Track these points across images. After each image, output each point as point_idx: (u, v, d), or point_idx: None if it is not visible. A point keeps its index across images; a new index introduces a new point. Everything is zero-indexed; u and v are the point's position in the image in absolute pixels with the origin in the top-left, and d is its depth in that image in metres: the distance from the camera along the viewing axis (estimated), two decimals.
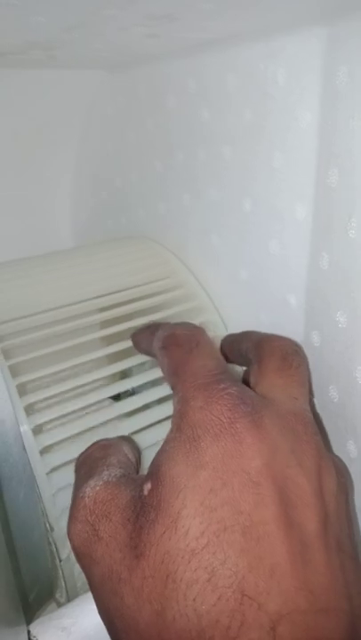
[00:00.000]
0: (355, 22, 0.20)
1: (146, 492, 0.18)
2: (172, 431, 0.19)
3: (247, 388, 0.20)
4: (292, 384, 0.21)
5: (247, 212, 0.27)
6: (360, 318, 0.22)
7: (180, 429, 0.19)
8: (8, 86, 0.36)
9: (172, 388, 0.21)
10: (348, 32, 0.21)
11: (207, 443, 0.18)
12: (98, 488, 0.19)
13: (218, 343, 0.28)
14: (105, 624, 0.18)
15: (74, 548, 0.19)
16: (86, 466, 0.21)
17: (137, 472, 0.21)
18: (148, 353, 0.26)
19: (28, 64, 0.33)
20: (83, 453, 0.22)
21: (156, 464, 0.19)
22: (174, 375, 0.21)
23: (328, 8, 0.20)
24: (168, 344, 0.22)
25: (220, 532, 0.17)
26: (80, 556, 0.19)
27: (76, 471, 0.21)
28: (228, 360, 0.27)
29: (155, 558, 0.17)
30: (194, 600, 0.16)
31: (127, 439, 0.24)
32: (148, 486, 0.18)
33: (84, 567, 0.19)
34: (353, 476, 0.23)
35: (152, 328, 0.25)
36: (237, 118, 0.26)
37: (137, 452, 0.23)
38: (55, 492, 0.23)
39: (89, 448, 0.22)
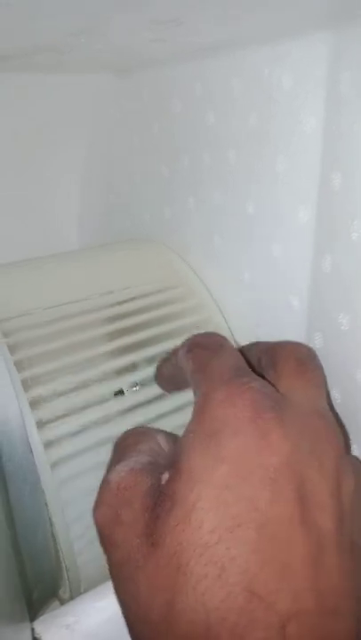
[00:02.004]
0: (360, 26, 0.20)
1: (164, 482, 0.18)
2: (191, 423, 0.19)
3: (270, 385, 0.20)
4: (310, 386, 0.21)
5: (251, 215, 0.28)
6: None
7: (200, 422, 0.19)
8: (14, 89, 0.36)
9: (196, 386, 0.21)
10: (353, 37, 0.21)
11: (227, 437, 0.18)
12: (123, 474, 0.19)
13: (211, 324, 0.28)
14: (121, 608, 0.18)
15: (98, 530, 0.19)
16: (119, 451, 0.21)
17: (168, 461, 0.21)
18: (172, 382, 0.26)
19: (34, 68, 0.33)
20: (119, 437, 0.22)
21: (175, 455, 0.19)
22: (198, 373, 0.21)
23: (334, 13, 0.21)
24: (193, 347, 0.22)
25: (234, 528, 0.16)
26: (102, 538, 0.19)
27: (112, 454, 0.22)
28: None
29: (168, 549, 0.17)
30: (203, 595, 0.16)
31: (165, 431, 0.23)
32: (165, 476, 0.18)
33: (105, 550, 0.19)
34: None
35: (168, 356, 0.26)
36: (242, 122, 0.27)
37: (173, 443, 0.22)
38: (59, 485, 0.23)
39: (125, 433, 0.22)
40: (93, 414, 0.25)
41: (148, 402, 0.27)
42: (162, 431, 0.23)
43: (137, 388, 0.27)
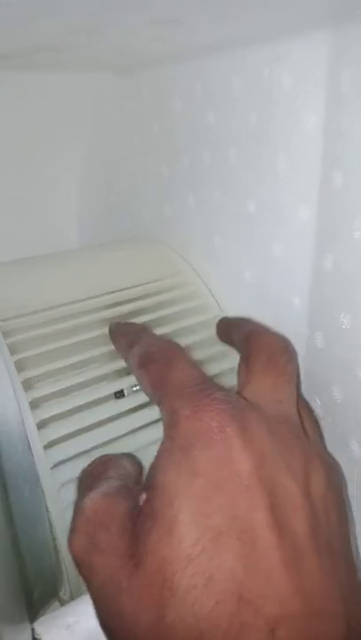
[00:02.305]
0: (360, 26, 0.20)
1: (141, 502, 0.19)
2: (163, 442, 0.19)
3: (232, 393, 0.20)
4: (277, 384, 0.21)
5: (251, 214, 0.28)
6: None
7: (171, 439, 0.19)
8: (14, 89, 0.36)
9: (158, 403, 0.21)
10: (353, 36, 0.21)
11: (199, 450, 0.18)
12: (96, 499, 0.19)
13: (214, 324, 0.28)
14: (105, 633, 0.18)
15: (74, 559, 0.19)
16: (86, 481, 0.21)
17: (138, 484, 0.21)
18: (124, 359, 0.26)
19: (35, 67, 0.33)
20: (83, 470, 0.22)
21: (151, 475, 0.19)
22: (157, 390, 0.21)
23: (334, 12, 0.21)
24: (145, 362, 0.22)
25: (216, 537, 0.17)
26: (80, 566, 0.19)
27: (78, 487, 0.22)
28: (222, 341, 0.28)
29: (151, 566, 0.17)
30: (192, 605, 0.16)
31: (128, 455, 0.24)
32: (143, 496, 0.19)
33: (84, 577, 0.19)
34: (356, 476, 0.23)
35: (129, 338, 0.25)
36: (243, 122, 0.27)
37: (138, 466, 0.23)
38: (59, 486, 0.23)
39: (89, 465, 0.22)
40: (94, 415, 0.25)
41: (149, 403, 0.27)
42: (125, 456, 0.23)
43: (137, 388, 0.27)
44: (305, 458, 0.19)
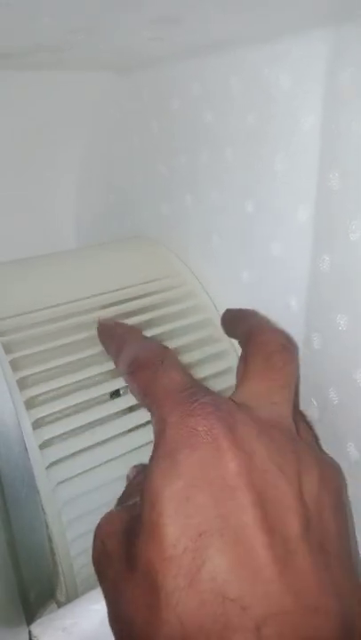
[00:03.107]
0: (359, 25, 0.20)
1: (137, 509, 0.19)
2: (153, 449, 0.19)
3: (220, 396, 0.20)
4: (273, 388, 0.21)
5: (249, 214, 0.27)
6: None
7: (159, 446, 0.19)
8: (14, 87, 0.36)
9: (147, 408, 0.21)
10: (352, 36, 0.21)
11: (184, 454, 0.18)
12: (112, 511, 0.21)
13: (213, 342, 0.28)
14: (113, 634, 0.19)
15: (93, 564, 0.20)
16: (120, 498, 0.23)
17: None
18: (113, 361, 0.26)
19: (34, 66, 0.33)
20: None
21: (144, 482, 0.19)
22: (146, 397, 0.21)
23: (333, 12, 0.20)
24: (133, 369, 0.22)
25: (196, 537, 0.17)
26: (96, 571, 0.20)
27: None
28: (227, 332, 0.28)
29: (141, 569, 0.17)
30: (176, 606, 0.16)
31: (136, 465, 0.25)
32: (138, 503, 0.19)
33: (99, 582, 0.20)
34: (353, 478, 0.23)
35: (116, 341, 0.25)
36: (241, 121, 0.26)
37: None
38: (54, 486, 0.23)
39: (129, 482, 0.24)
40: (89, 415, 0.25)
41: None
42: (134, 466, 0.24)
43: None
44: (297, 459, 0.19)
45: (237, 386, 0.22)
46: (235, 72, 0.26)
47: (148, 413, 0.26)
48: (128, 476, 0.24)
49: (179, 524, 0.17)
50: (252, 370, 0.22)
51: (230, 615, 0.16)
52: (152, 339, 0.26)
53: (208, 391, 0.20)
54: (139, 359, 0.22)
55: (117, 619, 0.18)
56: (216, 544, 0.17)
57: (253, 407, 0.20)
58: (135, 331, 0.26)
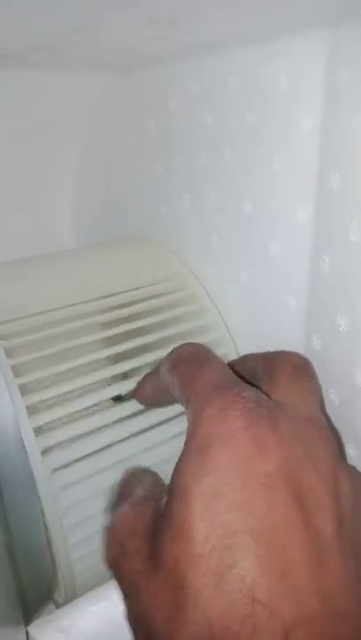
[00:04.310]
0: (358, 25, 0.20)
1: (163, 505, 0.19)
2: (186, 443, 0.19)
3: (262, 393, 0.20)
4: (304, 393, 0.21)
5: (248, 214, 0.27)
6: None
7: (192, 440, 0.18)
8: (11, 87, 0.36)
9: (185, 404, 0.20)
10: (350, 35, 0.21)
11: (218, 449, 0.18)
12: (125, 509, 0.20)
13: (216, 345, 0.28)
14: (132, 634, 0.18)
15: (108, 567, 0.19)
16: (117, 498, 0.22)
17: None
18: (155, 394, 0.25)
19: (32, 66, 0.33)
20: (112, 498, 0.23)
21: (172, 477, 0.19)
22: (185, 389, 0.21)
23: (332, 11, 0.20)
24: (177, 363, 0.22)
25: (227, 536, 0.16)
26: (113, 573, 0.19)
27: (109, 507, 0.22)
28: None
29: (167, 567, 0.17)
30: (204, 606, 0.16)
31: (148, 471, 0.24)
32: (164, 500, 0.19)
33: (118, 584, 0.19)
34: None
35: (152, 371, 0.25)
36: (239, 121, 0.26)
37: (161, 479, 0.23)
38: (57, 492, 0.23)
39: (116, 488, 0.23)
40: (92, 420, 0.25)
41: (147, 408, 0.26)
42: (147, 472, 0.23)
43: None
44: (333, 459, 0.19)
45: (268, 394, 0.22)
46: (233, 72, 0.26)
47: (151, 419, 0.26)
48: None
49: (208, 521, 0.17)
50: (280, 380, 0.22)
51: (259, 617, 0.15)
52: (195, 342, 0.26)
53: (249, 387, 0.20)
54: (182, 355, 0.22)
55: (137, 617, 0.18)
56: (247, 543, 0.16)
57: (290, 405, 0.20)
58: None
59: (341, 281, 0.23)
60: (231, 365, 0.26)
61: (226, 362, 0.27)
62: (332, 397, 0.24)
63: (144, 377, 0.26)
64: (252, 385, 0.22)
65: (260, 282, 0.28)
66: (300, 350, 0.25)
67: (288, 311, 0.26)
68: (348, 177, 0.21)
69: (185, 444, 0.19)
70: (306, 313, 0.25)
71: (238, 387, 0.19)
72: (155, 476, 0.23)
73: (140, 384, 0.26)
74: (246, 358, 0.26)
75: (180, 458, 0.19)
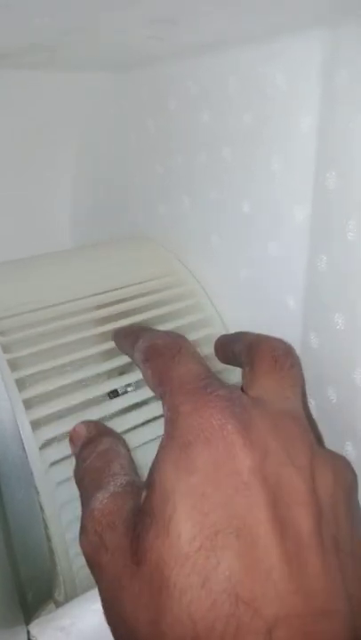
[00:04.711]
0: (356, 25, 0.20)
1: (142, 500, 0.18)
2: (163, 439, 0.19)
3: (236, 390, 0.20)
4: (283, 385, 0.21)
5: (247, 213, 0.27)
6: (358, 320, 0.22)
7: (171, 437, 0.19)
8: (10, 87, 0.36)
9: (161, 398, 0.21)
10: (349, 35, 0.21)
11: (198, 448, 0.18)
12: (105, 501, 0.19)
13: (212, 342, 0.28)
14: (111, 632, 0.18)
15: (85, 558, 0.19)
16: (89, 477, 0.21)
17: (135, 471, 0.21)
18: (130, 357, 0.25)
19: (31, 65, 0.33)
20: (82, 464, 0.22)
21: (150, 472, 0.19)
22: (160, 385, 0.21)
23: (330, 11, 0.20)
24: (150, 355, 0.22)
25: (213, 535, 0.16)
26: (90, 566, 0.19)
27: (79, 482, 0.21)
28: (222, 361, 0.27)
29: (150, 565, 0.17)
30: (188, 606, 0.16)
31: (117, 436, 0.23)
32: (144, 494, 0.19)
33: (94, 576, 0.19)
34: None
35: (132, 337, 0.25)
36: (238, 121, 0.26)
37: (127, 448, 0.23)
38: (54, 486, 0.23)
39: (87, 457, 0.22)
40: (88, 415, 0.25)
41: (143, 403, 0.27)
42: (118, 440, 0.23)
43: (131, 389, 0.27)
44: (312, 453, 0.19)
45: (247, 385, 0.22)
46: (232, 72, 0.26)
47: (146, 414, 0.26)
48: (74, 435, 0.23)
49: (195, 520, 0.17)
50: (260, 370, 0.22)
51: (242, 617, 0.16)
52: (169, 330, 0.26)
53: (224, 384, 0.20)
54: (155, 346, 0.22)
55: (117, 616, 0.18)
56: (231, 543, 0.16)
57: (267, 401, 0.20)
58: (150, 328, 0.26)
59: (339, 279, 0.23)
60: (222, 343, 0.27)
61: (220, 335, 0.28)
62: (329, 395, 0.24)
63: (120, 336, 0.26)
64: (237, 365, 0.22)
65: (259, 280, 0.28)
66: (298, 348, 0.26)
67: (286, 309, 0.26)
68: (345, 176, 0.22)
69: (163, 440, 0.19)
70: (304, 311, 0.25)
71: (212, 384, 0.19)
72: (124, 445, 0.22)
73: (115, 338, 0.26)
74: (235, 339, 0.26)
75: (158, 453, 0.19)
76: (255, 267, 0.28)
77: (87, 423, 0.23)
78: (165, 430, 0.19)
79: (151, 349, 0.22)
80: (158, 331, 0.25)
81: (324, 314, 0.24)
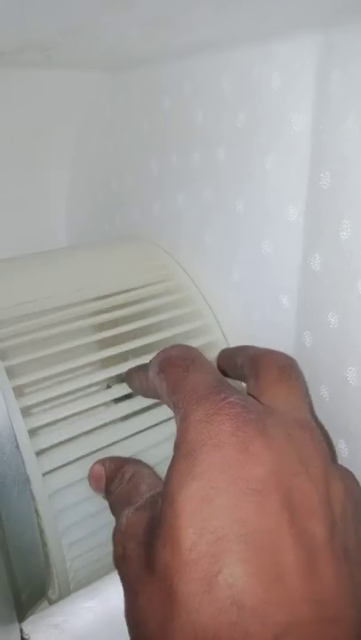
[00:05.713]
0: (350, 27, 0.20)
1: (158, 510, 0.19)
2: (175, 449, 0.19)
3: (249, 397, 0.20)
4: (291, 395, 0.21)
5: (240, 213, 0.28)
6: (351, 319, 0.22)
7: (180, 446, 0.18)
8: (4, 85, 0.36)
9: (174, 408, 0.20)
10: (342, 37, 0.21)
11: (204, 454, 0.18)
12: (130, 515, 0.20)
13: (211, 349, 0.28)
14: (129, 635, 0.18)
15: (115, 567, 0.20)
16: (120, 502, 0.22)
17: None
18: (143, 391, 0.25)
19: (25, 64, 0.33)
20: (112, 497, 0.22)
21: (164, 483, 0.19)
22: (173, 394, 0.20)
23: (324, 13, 0.21)
24: (164, 367, 0.22)
25: (214, 541, 0.16)
26: (119, 576, 0.19)
27: (113, 510, 0.22)
28: (224, 375, 0.27)
29: (159, 573, 0.17)
30: (194, 613, 0.16)
31: (135, 461, 0.24)
32: (159, 505, 0.19)
33: (121, 584, 0.19)
34: None
35: (142, 367, 0.25)
36: (232, 121, 0.27)
37: (149, 467, 0.23)
38: (51, 493, 0.23)
39: (115, 489, 0.22)
40: (86, 423, 0.25)
41: (142, 410, 0.26)
42: (137, 462, 0.23)
43: (129, 395, 0.27)
44: (324, 462, 0.19)
45: (256, 396, 0.22)
46: (226, 72, 0.26)
47: (144, 422, 0.26)
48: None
49: (196, 526, 0.17)
50: (268, 380, 0.22)
51: (248, 624, 0.15)
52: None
53: (237, 391, 0.20)
54: (170, 357, 0.22)
55: (133, 621, 0.18)
56: (234, 549, 0.16)
57: (280, 410, 0.20)
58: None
59: (332, 278, 0.23)
60: (224, 357, 0.27)
61: (221, 349, 0.28)
62: (322, 393, 0.25)
63: (131, 372, 0.26)
64: (240, 378, 0.22)
65: (253, 280, 0.28)
66: (291, 346, 0.26)
67: (280, 308, 0.27)
68: (338, 176, 0.22)
69: (174, 450, 0.19)
70: (297, 310, 0.26)
71: (225, 391, 0.19)
72: (156, 477, 0.23)
73: (127, 379, 0.26)
74: (238, 352, 0.26)
75: (170, 464, 0.19)
76: (249, 265, 0.28)
77: (102, 461, 0.24)
78: (176, 439, 0.19)
79: (166, 361, 0.22)
80: (173, 345, 0.25)
81: (318, 313, 0.24)
